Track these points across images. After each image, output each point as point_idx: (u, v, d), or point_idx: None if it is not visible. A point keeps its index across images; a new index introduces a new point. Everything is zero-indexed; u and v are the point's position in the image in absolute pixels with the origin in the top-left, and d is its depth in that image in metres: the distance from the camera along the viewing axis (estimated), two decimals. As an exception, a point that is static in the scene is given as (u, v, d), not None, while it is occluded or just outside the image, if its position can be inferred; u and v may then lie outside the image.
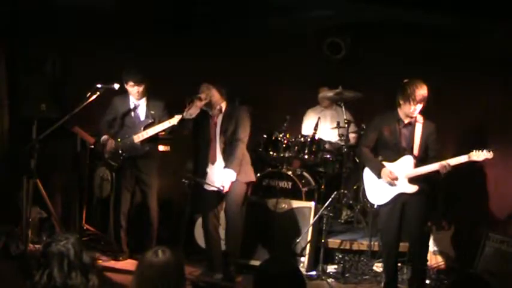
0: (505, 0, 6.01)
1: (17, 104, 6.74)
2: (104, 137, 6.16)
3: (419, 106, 5.20)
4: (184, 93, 6.08)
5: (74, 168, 7.08)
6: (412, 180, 5.26)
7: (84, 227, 6.90)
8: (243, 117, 5.73)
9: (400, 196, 5.29)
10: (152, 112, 6.16)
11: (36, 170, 5.86)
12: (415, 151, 5.28)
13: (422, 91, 5.13)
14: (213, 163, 5.73)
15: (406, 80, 5.23)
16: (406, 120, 5.30)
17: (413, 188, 5.25)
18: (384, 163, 5.34)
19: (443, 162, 5.11)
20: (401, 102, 5.23)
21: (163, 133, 6.10)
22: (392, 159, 5.33)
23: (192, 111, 5.64)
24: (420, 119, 5.33)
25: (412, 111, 5.20)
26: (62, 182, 7.12)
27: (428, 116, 5.52)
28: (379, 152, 5.45)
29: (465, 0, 6.19)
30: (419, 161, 5.27)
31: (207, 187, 5.69)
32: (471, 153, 5.13)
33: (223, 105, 5.76)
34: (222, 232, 5.97)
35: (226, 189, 5.59)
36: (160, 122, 6.03)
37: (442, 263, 5.95)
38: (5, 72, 6.81)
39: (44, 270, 3.03)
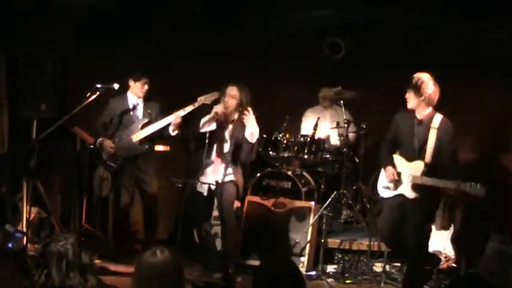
0: (505, 0, 6.01)
1: (17, 104, 6.73)
2: (100, 139, 6.16)
3: (408, 94, 5.07)
4: (184, 93, 6.10)
5: (73, 168, 7.07)
6: (415, 186, 5.08)
7: (84, 227, 6.90)
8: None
9: (400, 196, 5.19)
10: (149, 111, 6.18)
11: (36, 170, 5.85)
12: (427, 157, 5.05)
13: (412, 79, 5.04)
14: (215, 172, 5.72)
15: None
16: (419, 116, 5.10)
17: (412, 194, 5.11)
18: (400, 159, 5.21)
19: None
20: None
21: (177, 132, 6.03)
22: (408, 159, 5.17)
23: (209, 124, 5.63)
24: (438, 118, 5.07)
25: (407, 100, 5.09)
26: (62, 182, 7.11)
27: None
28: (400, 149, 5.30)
29: (465, 0, 6.19)
30: (433, 168, 5.05)
31: (200, 187, 5.70)
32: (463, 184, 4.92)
33: (237, 115, 5.73)
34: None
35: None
36: (157, 120, 6.04)
37: (442, 263, 5.93)
38: (5, 72, 6.81)
39: (43, 270, 3.03)
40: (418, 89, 5.03)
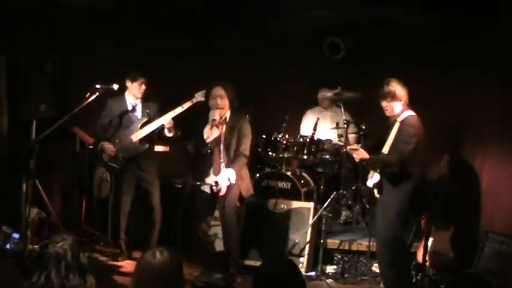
0: (505, 0, 6.00)
1: (17, 104, 6.73)
2: (101, 143, 6.15)
3: (384, 103, 5.30)
4: (184, 93, 6.09)
5: (73, 168, 7.08)
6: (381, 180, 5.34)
7: (84, 227, 6.90)
8: (246, 130, 5.76)
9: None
10: (147, 111, 6.18)
11: (35, 170, 5.85)
12: (384, 149, 5.32)
13: (385, 88, 5.28)
14: (216, 174, 5.74)
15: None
16: (396, 114, 5.34)
17: (370, 183, 5.40)
18: None
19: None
20: None
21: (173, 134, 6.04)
22: None
23: (211, 135, 5.61)
24: (405, 115, 5.29)
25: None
26: (62, 182, 7.12)
27: (428, 116, 5.52)
28: None
29: (465, 0, 6.18)
30: None
31: (203, 187, 5.70)
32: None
33: (228, 114, 5.75)
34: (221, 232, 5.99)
35: (223, 188, 5.58)
36: (155, 119, 6.05)
37: (442, 263, 5.93)
38: (5, 72, 6.81)
39: (42, 272, 3.02)
40: (394, 94, 5.26)
